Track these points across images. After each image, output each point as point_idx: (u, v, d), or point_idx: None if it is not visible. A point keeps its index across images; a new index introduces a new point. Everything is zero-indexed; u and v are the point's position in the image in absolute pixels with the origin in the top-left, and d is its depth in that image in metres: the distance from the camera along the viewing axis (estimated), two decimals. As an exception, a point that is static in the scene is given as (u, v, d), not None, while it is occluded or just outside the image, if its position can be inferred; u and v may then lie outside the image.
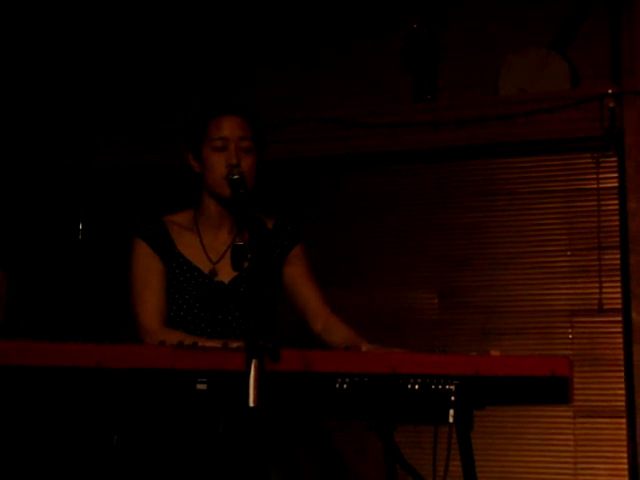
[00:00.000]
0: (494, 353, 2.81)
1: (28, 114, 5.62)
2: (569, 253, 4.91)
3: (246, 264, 2.59)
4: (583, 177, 4.94)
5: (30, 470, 5.02)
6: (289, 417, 2.86)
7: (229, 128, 3.16)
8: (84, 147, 5.54)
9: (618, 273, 4.82)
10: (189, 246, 3.19)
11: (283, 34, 5.47)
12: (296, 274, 3.29)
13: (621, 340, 4.79)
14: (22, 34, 5.66)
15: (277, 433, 3.07)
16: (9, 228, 5.47)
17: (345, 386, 2.62)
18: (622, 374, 4.76)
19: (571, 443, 4.81)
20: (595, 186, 4.90)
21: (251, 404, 2.33)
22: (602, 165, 4.90)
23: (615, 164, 4.88)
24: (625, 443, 4.73)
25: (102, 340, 2.55)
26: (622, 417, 4.74)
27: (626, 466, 4.70)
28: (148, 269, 3.14)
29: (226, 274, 3.15)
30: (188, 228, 3.22)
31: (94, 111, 5.62)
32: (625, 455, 4.71)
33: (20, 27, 5.65)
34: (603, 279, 4.83)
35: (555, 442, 4.82)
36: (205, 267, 3.18)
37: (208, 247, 3.20)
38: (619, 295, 4.81)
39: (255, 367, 2.35)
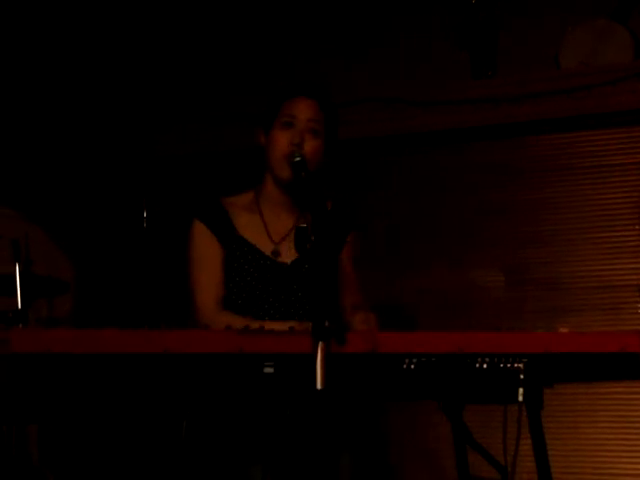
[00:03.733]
0: (563, 330, 2.79)
1: (92, 103, 5.66)
2: (637, 227, 4.84)
3: (308, 246, 2.58)
4: (649, 149, 4.86)
5: (102, 458, 5.09)
6: (358, 400, 2.85)
7: (300, 108, 3.16)
8: (148, 135, 5.58)
9: (687, 246, 4.75)
10: (250, 227, 3.19)
11: (340, 15, 5.44)
12: (342, 260, 3.26)
13: (692, 313, 4.72)
14: (87, 26, 5.70)
15: (346, 417, 3.06)
16: (75, 218, 5.52)
17: (412, 366, 2.61)
18: (694, 348, 4.68)
19: (644, 419, 4.75)
20: (662, 158, 4.83)
21: (318, 387, 2.33)
22: (669, 136, 4.83)
23: (682, 134, 4.80)
24: (699, 418, 4.66)
25: (168, 326, 2.57)
26: (696, 391, 4.68)
27: (701, 441, 4.64)
28: (206, 251, 3.15)
29: (288, 255, 3.14)
30: (249, 209, 3.22)
31: (158, 99, 5.65)
32: (700, 430, 4.65)
33: (84, 19, 5.69)
34: (672, 252, 4.76)
35: (628, 419, 4.76)
36: (267, 248, 3.17)
37: (270, 227, 3.20)
38: (688, 268, 4.74)
39: (322, 350, 2.35)
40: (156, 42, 5.70)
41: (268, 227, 3.20)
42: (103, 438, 5.06)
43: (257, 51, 5.55)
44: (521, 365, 2.65)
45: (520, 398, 2.65)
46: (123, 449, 5.10)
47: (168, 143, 5.55)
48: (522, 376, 2.64)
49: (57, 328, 2.58)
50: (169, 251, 5.38)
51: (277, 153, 3.14)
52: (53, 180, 5.55)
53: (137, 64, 5.72)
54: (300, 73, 5.11)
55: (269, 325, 2.72)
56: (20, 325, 4.12)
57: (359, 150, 5.27)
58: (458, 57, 5.16)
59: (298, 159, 3.03)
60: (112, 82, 5.70)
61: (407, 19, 5.30)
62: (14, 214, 4.70)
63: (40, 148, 5.53)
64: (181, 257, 3.26)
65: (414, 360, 2.61)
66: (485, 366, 2.64)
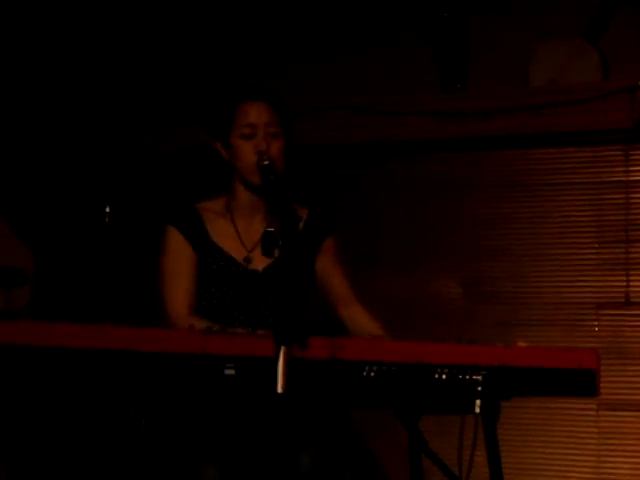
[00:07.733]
0: (521, 344, 2.81)
1: (57, 97, 5.64)
2: (596, 246, 4.88)
3: (277, 251, 2.59)
4: (612, 169, 4.89)
5: (59, 453, 5.05)
6: (317, 405, 2.86)
7: (256, 114, 3.16)
8: (113, 130, 5.56)
9: (645, 266, 4.79)
10: (223, 234, 3.19)
11: (313, 21, 5.45)
12: (326, 264, 3.28)
13: (647, 333, 4.77)
14: (55, 22, 5.67)
15: (306, 421, 3.06)
16: (37, 210, 5.49)
17: (372, 374, 2.62)
18: (647, 368, 4.74)
19: (595, 436, 4.78)
20: (624, 179, 4.86)
21: (279, 390, 2.34)
22: (631, 158, 4.86)
23: (644, 157, 4.85)
24: (649, 437, 4.71)
25: (130, 323, 2.56)
26: (646, 411, 4.72)
27: (649, 460, 4.68)
28: (179, 257, 3.15)
29: (260, 262, 3.15)
30: (222, 215, 3.22)
31: (124, 95, 5.63)
32: (649, 449, 4.70)
33: (55, 15, 5.67)
34: (630, 272, 4.80)
35: (578, 435, 4.80)
36: (239, 255, 3.18)
37: (243, 234, 3.20)
38: (646, 288, 4.78)
39: (284, 354, 2.36)
40: (125, 41, 5.69)
41: (241, 234, 3.20)
42: (58, 434, 5.03)
43: (228, 54, 5.55)
44: (480, 377, 2.66)
45: (477, 409, 2.66)
46: (78, 446, 5.06)
47: (133, 139, 5.53)
48: (480, 388, 2.66)
49: (14, 320, 2.55)
50: (131, 247, 5.37)
51: (245, 163, 3.14)
52: (15, 172, 5.51)
53: (104, 60, 5.70)
54: (271, 78, 5.10)
55: (231, 329, 2.72)
56: (-23, 316, 4.08)
57: (325, 157, 5.28)
58: (429, 69, 5.19)
59: (266, 162, 3.04)
60: (78, 78, 5.68)
61: (380, 29, 5.32)
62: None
63: (1, 140, 5.50)
64: (144, 255, 3.25)
65: (374, 368, 2.62)
66: (444, 377, 2.66)
